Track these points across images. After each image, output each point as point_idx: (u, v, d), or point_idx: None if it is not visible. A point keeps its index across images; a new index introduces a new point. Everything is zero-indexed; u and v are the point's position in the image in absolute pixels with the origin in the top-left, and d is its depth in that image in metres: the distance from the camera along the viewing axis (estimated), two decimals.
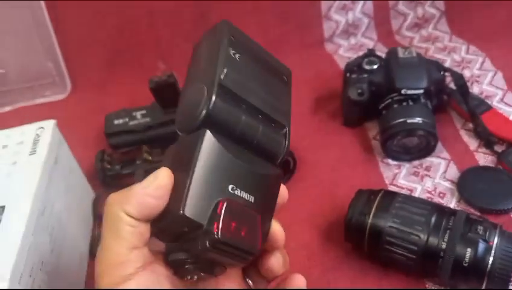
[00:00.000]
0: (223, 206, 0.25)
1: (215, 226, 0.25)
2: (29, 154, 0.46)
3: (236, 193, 0.27)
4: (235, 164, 0.27)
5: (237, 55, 0.29)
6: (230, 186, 0.27)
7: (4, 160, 0.46)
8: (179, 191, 0.26)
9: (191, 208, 0.25)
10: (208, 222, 0.25)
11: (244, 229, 0.26)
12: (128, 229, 0.26)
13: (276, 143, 0.30)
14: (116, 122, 0.64)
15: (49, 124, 0.49)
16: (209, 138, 0.26)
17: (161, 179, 0.27)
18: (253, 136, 0.28)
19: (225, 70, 0.27)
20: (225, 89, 0.27)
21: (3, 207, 0.40)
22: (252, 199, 0.27)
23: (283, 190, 0.31)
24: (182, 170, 0.26)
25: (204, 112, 0.26)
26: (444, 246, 0.38)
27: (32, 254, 0.38)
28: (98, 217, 0.55)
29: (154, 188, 0.27)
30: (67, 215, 0.48)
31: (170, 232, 0.28)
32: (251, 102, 0.28)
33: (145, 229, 0.27)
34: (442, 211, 0.40)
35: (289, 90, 0.32)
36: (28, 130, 0.49)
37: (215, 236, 0.25)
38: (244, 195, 0.27)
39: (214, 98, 0.26)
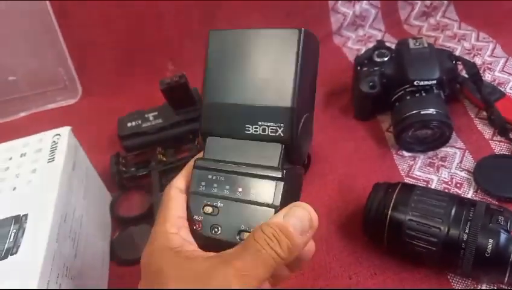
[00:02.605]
0: None
1: None
2: (48, 162, 0.46)
3: None
4: None
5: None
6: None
7: (24, 168, 0.46)
8: None
9: None
10: None
11: None
12: None
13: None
14: (129, 124, 0.64)
15: (65, 131, 0.50)
16: None
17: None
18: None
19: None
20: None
21: (26, 215, 0.41)
22: None
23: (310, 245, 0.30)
24: None
25: None
26: (465, 237, 0.38)
27: (57, 260, 0.39)
28: (115, 218, 0.56)
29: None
30: (87, 219, 0.49)
31: None
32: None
33: None
34: (461, 202, 0.40)
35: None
36: (44, 138, 0.49)
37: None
38: None
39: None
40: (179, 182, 0.31)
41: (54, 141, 0.49)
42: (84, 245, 0.46)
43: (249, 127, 0.29)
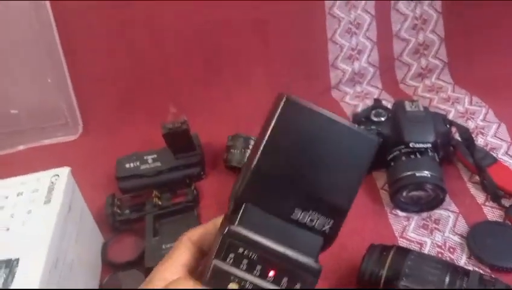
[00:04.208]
0: None
1: None
2: (44, 203, 0.46)
3: None
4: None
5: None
6: None
7: (19, 208, 0.46)
8: None
9: None
10: None
11: None
12: None
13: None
14: (127, 166, 0.64)
15: (64, 172, 0.50)
16: None
17: None
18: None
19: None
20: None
21: (17, 260, 0.40)
22: None
23: None
24: None
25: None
26: None
27: None
28: (106, 263, 0.55)
29: None
30: (78, 264, 0.48)
31: None
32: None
33: None
34: (455, 271, 0.40)
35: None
36: (43, 178, 0.49)
37: None
38: None
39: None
40: (193, 234, 0.30)
41: (52, 182, 0.49)
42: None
43: (298, 211, 0.27)
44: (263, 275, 0.26)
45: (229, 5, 0.73)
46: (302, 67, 0.78)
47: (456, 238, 0.51)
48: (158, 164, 0.65)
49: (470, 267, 0.46)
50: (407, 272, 0.41)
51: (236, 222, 0.27)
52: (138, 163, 0.65)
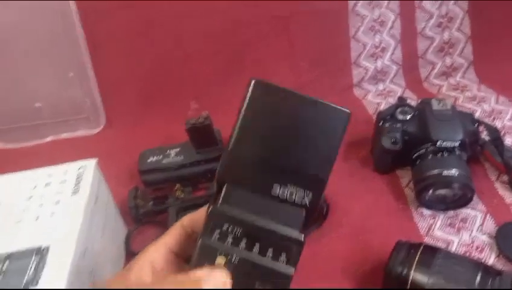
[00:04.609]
0: None
1: None
2: (72, 194, 0.47)
3: None
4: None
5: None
6: None
7: (47, 198, 0.47)
8: None
9: None
10: None
11: None
12: None
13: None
14: (150, 159, 0.65)
15: (91, 164, 0.51)
16: None
17: None
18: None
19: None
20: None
21: (47, 247, 0.41)
22: None
23: None
24: None
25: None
26: None
27: None
28: (129, 253, 0.56)
29: None
30: (104, 255, 0.48)
31: None
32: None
33: None
34: (486, 270, 0.39)
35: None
36: (70, 169, 0.50)
37: None
38: None
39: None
40: (185, 218, 0.32)
41: (79, 173, 0.49)
42: (99, 279, 0.45)
43: (276, 186, 0.28)
44: (249, 248, 0.27)
45: (252, 3, 0.73)
46: (325, 65, 0.77)
47: (484, 238, 0.51)
48: (180, 158, 0.65)
49: (500, 267, 0.46)
50: (436, 270, 0.40)
51: (220, 201, 0.28)
52: (161, 157, 0.65)
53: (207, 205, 0.29)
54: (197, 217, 0.31)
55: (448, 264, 0.41)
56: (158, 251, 0.30)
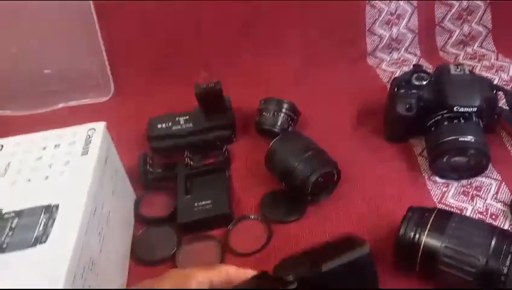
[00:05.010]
0: None
1: None
2: (81, 155, 0.47)
3: None
4: None
5: None
6: None
7: (57, 159, 0.46)
8: None
9: None
10: None
11: None
12: None
13: None
14: (159, 126, 0.64)
15: (100, 126, 0.50)
16: None
17: None
18: None
19: None
20: None
21: (57, 205, 0.41)
22: None
23: None
24: None
25: None
26: (505, 270, 0.36)
27: (85, 253, 0.38)
28: (139, 218, 0.56)
29: None
30: (114, 216, 0.48)
31: None
32: None
33: None
34: (503, 234, 0.39)
35: None
36: (79, 131, 0.50)
37: None
38: None
39: None
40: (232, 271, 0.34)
41: (89, 135, 0.49)
42: (109, 241, 0.45)
43: None
44: None
45: None
46: (338, 32, 0.75)
47: (499, 205, 0.49)
48: (190, 125, 0.64)
49: None
50: (450, 233, 0.39)
51: None
52: (170, 124, 0.65)
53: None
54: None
55: (462, 228, 0.40)
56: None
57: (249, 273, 0.35)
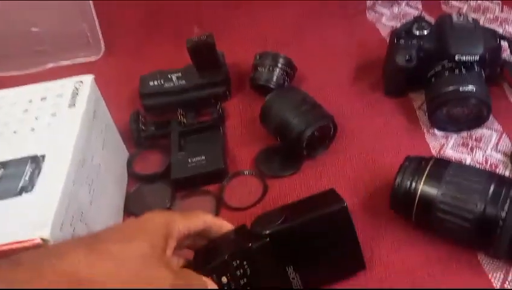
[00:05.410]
0: None
1: None
2: (69, 107, 0.45)
3: None
4: None
5: None
6: None
7: (43, 111, 0.45)
8: None
9: None
10: None
11: None
12: None
13: None
14: (151, 83, 0.62)
15: (88, 79, 0.49)
16: None
17: None
18: None
19: None
20: None
21: (43, 156, 0.40)
22: None
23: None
24: None
25: None
26: (503, 215, 0.35)
27: (73, 203, 0.38)
28: (132, 175, 0.55)
29: None
30: (105, 169, 0.47)
31: None
32: None
33: None
34: (501, 180, 0.37)
35: None
36: (66, 84, 0.48)
37: None
38: None
39: None
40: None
41: (76, 87, 0.47)
42: (100, 194, 0.44)
43: None
44: None
45: None
46: None
47: (499, 156, 0.48)
48: (182, 82, 0.62)
49: None
50: (447, 180, 0.38)
51: None
52: (162, 81, 0.63)
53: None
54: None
55: (460, 175, 0.39)
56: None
57: (225, 224, 0.36)
